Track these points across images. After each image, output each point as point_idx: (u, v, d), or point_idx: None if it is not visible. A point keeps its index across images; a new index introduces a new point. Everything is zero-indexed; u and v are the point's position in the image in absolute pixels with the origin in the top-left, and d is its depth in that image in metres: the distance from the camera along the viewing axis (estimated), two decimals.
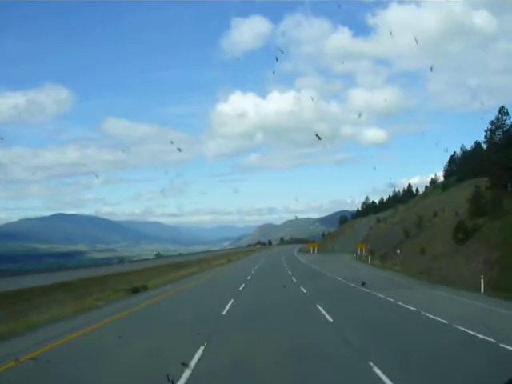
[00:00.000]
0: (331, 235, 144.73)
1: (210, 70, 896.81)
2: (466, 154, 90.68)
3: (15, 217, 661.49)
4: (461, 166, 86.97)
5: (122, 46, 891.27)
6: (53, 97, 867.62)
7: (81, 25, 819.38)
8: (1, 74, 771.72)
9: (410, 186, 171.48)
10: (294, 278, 33.69)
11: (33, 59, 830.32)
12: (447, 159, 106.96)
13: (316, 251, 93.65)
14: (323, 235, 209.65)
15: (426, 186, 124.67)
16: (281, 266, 53.44)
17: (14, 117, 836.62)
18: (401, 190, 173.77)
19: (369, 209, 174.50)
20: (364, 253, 64.91)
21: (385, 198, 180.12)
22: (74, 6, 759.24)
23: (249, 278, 35.19)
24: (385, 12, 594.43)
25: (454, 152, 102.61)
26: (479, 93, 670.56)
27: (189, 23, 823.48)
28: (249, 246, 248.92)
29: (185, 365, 8.44)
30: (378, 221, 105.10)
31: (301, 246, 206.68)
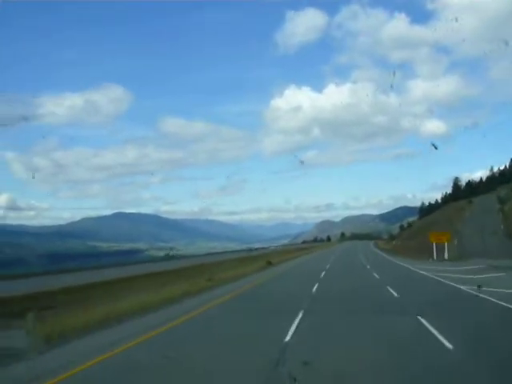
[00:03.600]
0: (424, 225, 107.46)
1: (265, 65, 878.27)
2: None
3: (78, 216, 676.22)
4: None
5: (178, 46, 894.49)
6: (110, 97, 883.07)
7: (139, 28, 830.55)
8: (60, 77, 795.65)
9: None
10: None
11: (92, 61, 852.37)
12: None
13: (445, 255, 49.47)
14: (401, 227, 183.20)
15: None
16: None
17: (73, 118, 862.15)
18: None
19: (461, 192, 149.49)
20: None
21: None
22: (128, 10, 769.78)
23: None
24: None
25: None
26: None
27: (242, 21, 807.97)
28: (304, 242, 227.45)
29: None
30: (501, 201, 78.29)
31: (372, 242, 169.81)
